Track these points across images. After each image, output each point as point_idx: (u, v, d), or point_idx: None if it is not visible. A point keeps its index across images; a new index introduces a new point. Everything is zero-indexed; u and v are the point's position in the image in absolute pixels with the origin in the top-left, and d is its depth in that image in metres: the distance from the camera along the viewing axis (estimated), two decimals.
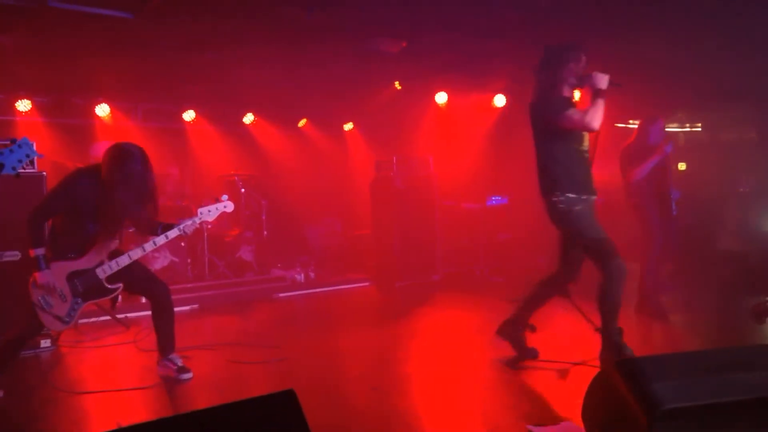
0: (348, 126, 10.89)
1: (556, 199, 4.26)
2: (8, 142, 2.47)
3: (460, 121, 9.56)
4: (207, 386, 4.41)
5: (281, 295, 8.07)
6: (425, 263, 8.64)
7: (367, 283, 8.69)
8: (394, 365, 4.70)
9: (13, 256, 5.33)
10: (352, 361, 4.98)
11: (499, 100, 9.46)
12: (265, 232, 8.95)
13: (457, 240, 9.00)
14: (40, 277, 3.99)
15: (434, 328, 6.10)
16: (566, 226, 4.30)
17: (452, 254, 8.96)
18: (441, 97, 9.36)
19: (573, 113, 4.16)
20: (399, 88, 8.82)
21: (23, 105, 8.17)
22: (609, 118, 7.04)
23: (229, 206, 4.62)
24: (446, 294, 7.88)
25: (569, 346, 4.94)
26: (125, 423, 3.64)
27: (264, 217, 8.97)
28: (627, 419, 2.26)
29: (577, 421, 3.16)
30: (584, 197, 4.26)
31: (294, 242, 9.93)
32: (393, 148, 9.24)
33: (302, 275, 8.59)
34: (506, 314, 4.73)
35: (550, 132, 4.31)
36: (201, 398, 4.16)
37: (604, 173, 7.12)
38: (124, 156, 4.10)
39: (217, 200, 4.61)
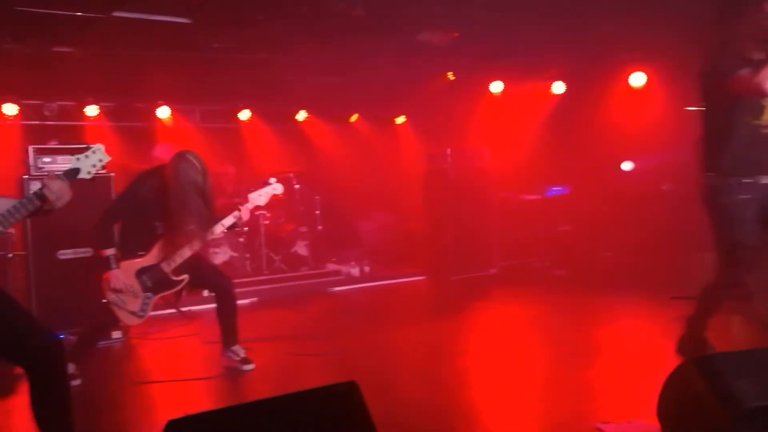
0: (400, 119, 10.91)
1: (713, 182, 3.73)
2: (83, 148, 2.63)
3: (516, 109, 9.33)
4: (267, 377, 4.53)
5: (336, 289, 8.17)
6: (481, 256, 8.55)
7: (421, 277, 8.66)
8: (452, 359, 4.67)
9: (85, 252, 5.62)
10: (409, 355, 4.98)
11: (558, 87, 9.15)
12: (320, 227, 9.07)
13: (515, 232, 8.82)
14: (111, 276, 4.22)
15: (492, 323, 6.02)
16: (710, 212, 3.78)
17: (510, 247, 8.79)
18: (496, 86, 9.16)
19: (744, 73, 3.44)
20: (452, 78, 8.76)
21: (91, 110, 8.54)
22: (676, 100, 6.74)
23: (278, 188, 4.70)
24: (504, 288, 7.76)
25: (635, 341, 4.81)
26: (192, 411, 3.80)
27: (318, 212, 9.08)
28: (705, 417, 2.18)
29: (649, 419, 2.99)
30: (748, 181, 3.64)
31: (348, 236, 10.00)
32: (446, 140, 9.16)
33: (357, 269, 8.66)
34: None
35: (720, 100, 3.65)
36: (262, 388, 4.28)
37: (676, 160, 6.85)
38: (187, 166, 4.33)
39: (266, 183, 4.70)
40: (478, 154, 8.73)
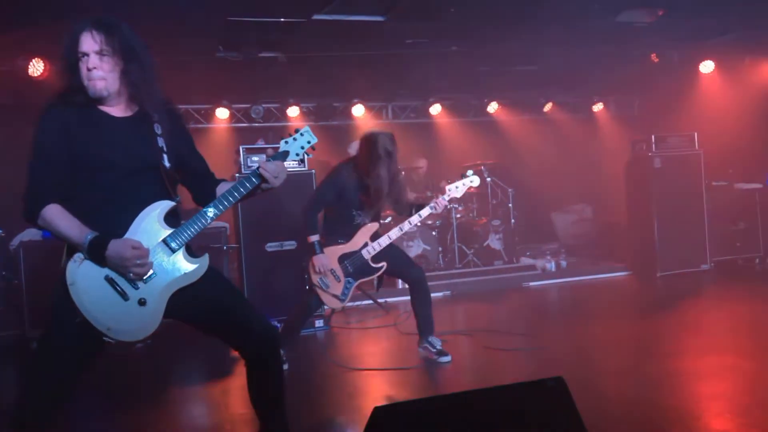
0: (597, 107, 10.35)
1: None
2: (293, 132, 2.73)
3: (731, 91, 8.50)
4: (464, 370, 4.51)
5: (531, 284, 7.93)
6: (692, 251, 7.84)
7: (624, 273, 8.17)
8: (662, 360, 4.32)
9: (291, 245, 5.99)
10: (613, 354, 4.69)
11: None
12: (513, 221, 8.88)
13: (730, 225, 8.05)
14: (316, 260, 4.46)
15: (706, 322, 5.52)
16: None
17: (725, 241, 8.02)
18: (706, 67, 8.45)
19: None
20: (656, 61, 8.12)
21: (292, 111, 9.14)
22: None
23: (475, 180, 4.70)
24: (719, 285, 7.12)
25: None
26: (392, 400, 3.87)
27: (511, 206, 8.90)
28: None
29: None
30: None
31: (542, 230, 9.71)
32: (650, 127, 8.55)
33: (553, 264, 8.37)
34: None
35: None
36: (460, 380, 4.26)
37: None
38: (375, 139, 4.47)
39: (463, 176, 4.72)
40: (687, 140, 8.02)
